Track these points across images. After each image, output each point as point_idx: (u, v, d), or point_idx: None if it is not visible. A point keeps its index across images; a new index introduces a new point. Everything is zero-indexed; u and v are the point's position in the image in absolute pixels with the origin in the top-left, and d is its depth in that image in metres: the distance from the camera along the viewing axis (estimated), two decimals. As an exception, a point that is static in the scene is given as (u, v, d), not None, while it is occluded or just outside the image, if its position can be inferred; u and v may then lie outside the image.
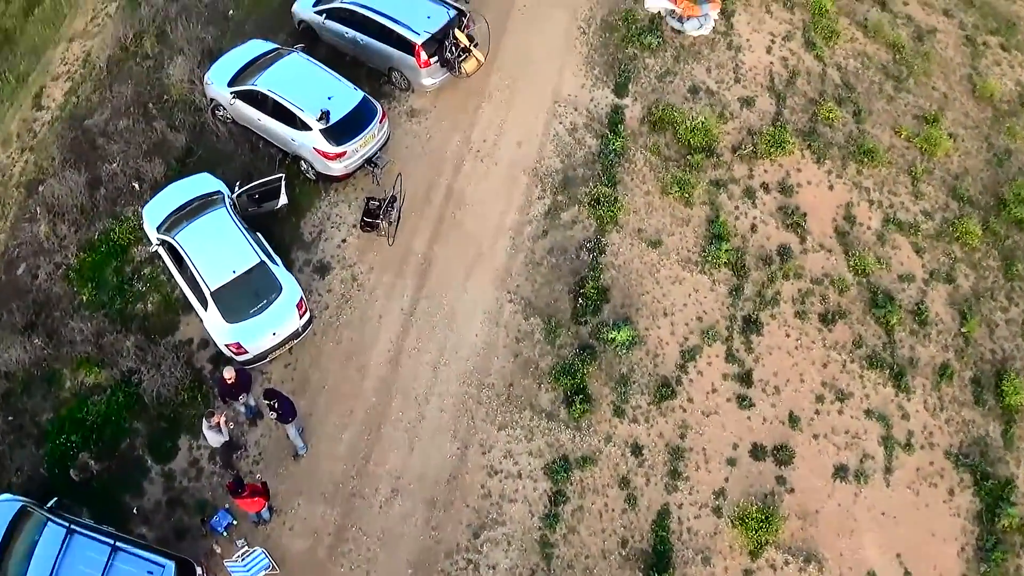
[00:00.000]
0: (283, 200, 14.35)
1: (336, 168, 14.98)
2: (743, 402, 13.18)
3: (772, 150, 16.24)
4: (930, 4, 19.75)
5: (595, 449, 12.46)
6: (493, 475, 12.31)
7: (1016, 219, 15.80)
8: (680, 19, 18.86)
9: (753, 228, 15.39)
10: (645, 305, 14.25)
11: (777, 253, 15.04)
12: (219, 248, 12.66)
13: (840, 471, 12.78)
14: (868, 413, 13.35)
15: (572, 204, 15.55)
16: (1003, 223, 15.74)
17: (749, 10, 19.23)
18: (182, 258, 12.55)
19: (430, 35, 16.16)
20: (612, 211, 15.18)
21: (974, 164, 16.72)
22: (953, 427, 13.32)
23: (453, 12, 16.41)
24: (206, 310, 12.35)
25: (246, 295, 12.36)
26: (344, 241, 14.72)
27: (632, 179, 15.93)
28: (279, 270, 12.85)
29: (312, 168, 15.19)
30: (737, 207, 15.62)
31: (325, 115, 14.57)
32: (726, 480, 12.46)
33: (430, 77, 16.86)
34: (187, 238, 12.79)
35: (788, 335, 14.02)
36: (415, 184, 15.17)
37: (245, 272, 12.49)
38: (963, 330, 14.34)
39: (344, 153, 14.87)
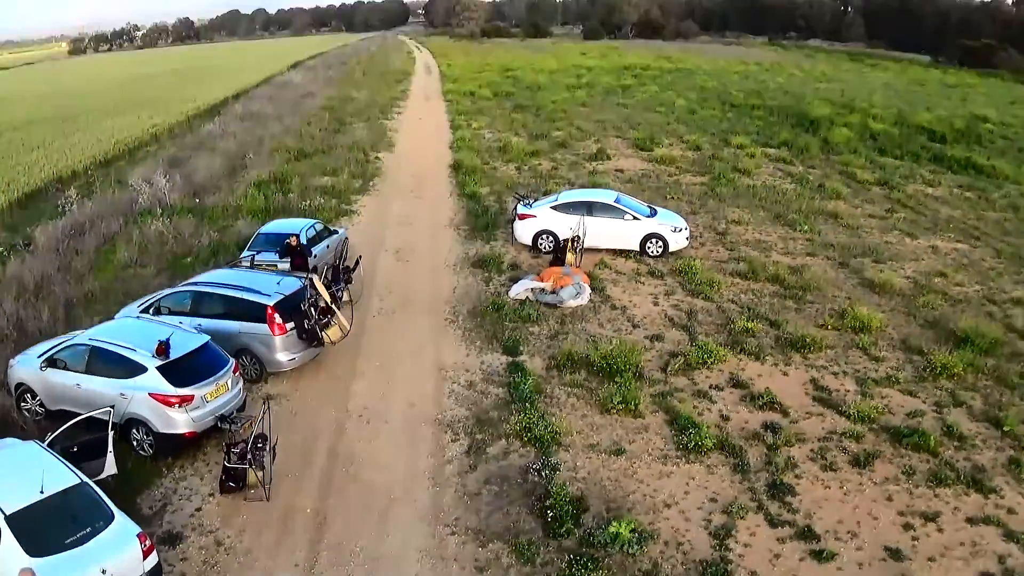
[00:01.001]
0: (110, 468, 12.51)
1: (180, 421, 13.76)
2: (822, 556, 11.70)
3: (706, 359, 16.92)
4: (790, 251, 23.96)
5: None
6: None
7: (984, 347, 17.87)
8: (554, 291, 20.69)
9: (724, 417, 15.47)
10: (637, 503, 12.99)
11: (764, 428, 14.86)
12: (22, 474, 11.07)
13: (987, 578, 11.35)
14: (971, 521, 12.66)
15: (497, 439, 14.90)
16: (974, 356, 17.47)
17: (619, 284, 22.03)
18: None
19: (283, 296, 16.56)
20: (551, 435, 14.37)
21: (913, 331, 18.79)
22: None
23: (305, 279, 17.10)
24: None
25: (59, 521, 10.50)
26: (199, 510, 12.88)
27: (560, 410, 15.91)
28: (109, 501, 10.57)
29: (149, 434, 13.79)
30: (695, 407, 15.63)
31: (164, 347, 13.66)
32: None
33: (287, 351, 16.85)
34: None
35: (827, 487, 13.19)
36: (285, 450, 14.40)
37: (58, 493, 10.81)
38: (1005, 429, 14.87)
39: (190, 399, 13.52)
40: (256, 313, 16.63)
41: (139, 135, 45.75)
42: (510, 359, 18.08)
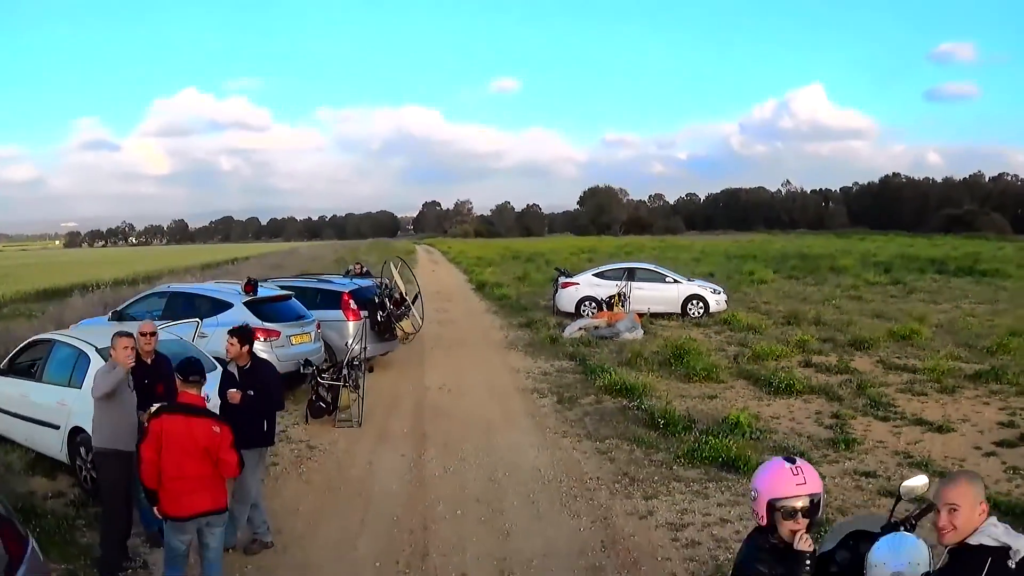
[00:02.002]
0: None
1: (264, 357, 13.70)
2: (942, 429, 12.22)
3: (772, 352, 17.56)
4: (823, 315, 24.62)
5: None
6: (680, 529, 8.72)
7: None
8: (610, 325, 21.35)
9: (807, 378, 15.52)
10: (743, 419, 12.86)
11: (848, 381, 15.19)
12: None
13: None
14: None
15: (586, 395, 15.10)
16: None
17: (668, 330, 22.61)
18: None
19: (359, 287, 17.26)
20: (640, 386, 14.77)
21: (964, 335, 19.44)
22: None
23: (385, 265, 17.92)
24: (80, 387, 9.88)
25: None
26: (284, 431, 12.97)
27: (640, 380, 15.70)
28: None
29: None
30: (775, 375, 15.79)
31: (252, 285, 14.30)
32: (1004, 462, 10.35)
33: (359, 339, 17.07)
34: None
35: (923, 403, 13.79)
36: (369, 405, 14.18)
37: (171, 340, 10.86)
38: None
39: (276, 334, 13.92)
40: (332, 300, 17.12)
41: (159, 269, 47.29)
42: (578, 363, 18.38)
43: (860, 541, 4.52)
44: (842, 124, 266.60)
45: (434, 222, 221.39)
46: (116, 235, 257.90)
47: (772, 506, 3.82)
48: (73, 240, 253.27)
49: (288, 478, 10.79)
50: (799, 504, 3.80)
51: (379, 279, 18.67)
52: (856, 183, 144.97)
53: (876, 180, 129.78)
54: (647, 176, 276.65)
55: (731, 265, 49.30)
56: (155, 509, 6.74)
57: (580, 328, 22.42)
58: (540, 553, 8.18)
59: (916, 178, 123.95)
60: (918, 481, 4.46)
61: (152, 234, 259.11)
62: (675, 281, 26.12)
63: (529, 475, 10.69)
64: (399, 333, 17.53)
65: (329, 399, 13.40)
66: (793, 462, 3.88)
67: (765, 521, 3.87)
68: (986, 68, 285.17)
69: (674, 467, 10.87)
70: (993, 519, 3.56)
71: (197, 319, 13.39)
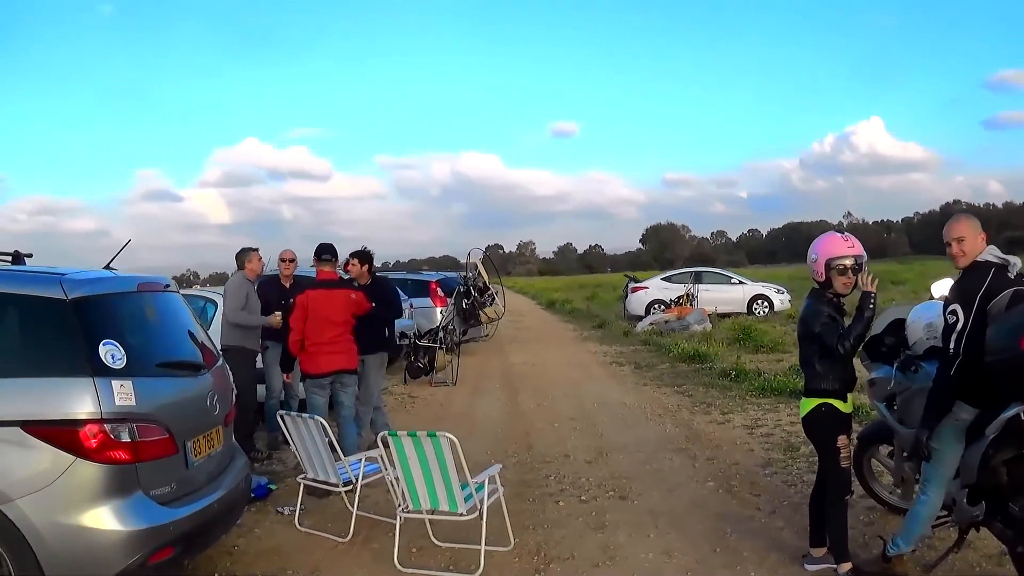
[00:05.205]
0: None
1: None
2: None
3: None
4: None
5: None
6: (755, 428, 9.78)
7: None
8: (680, 318, 22.33)
9: None
10: None
11: None
12: None
13: None
14: None
15: (662, 363, 16.50)
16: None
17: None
18: None
19: (445, 276, 18.53)
20: (713, 353, 15.84)
21: None
22: None
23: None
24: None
25: None
26: (386, 388, 14.27)
27: (711, 350, 16.63)
28: None
29: None
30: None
31: None
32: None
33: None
34: None
35: None
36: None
37: None
38: None
39: None
40: (422, 289, 18.57)
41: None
42: (651, 346, 19.39)
43: (900, 326, 5.74)
44: (902, 156, 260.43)
45: (497, 264, 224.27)
46: (181, 283, 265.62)
47: (828, 265, 4.99)
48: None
49: (396, 414, 12.03)
50: (848, 262, 4.98)
51: (464, 271, 20.04)
52: (917, 213, 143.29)
53: (937, 209, 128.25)
54: (708, 216, 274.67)
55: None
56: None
57: (651, 323, 23.42)
58: (632, 444, 9.28)
59: (977, 204, 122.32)
60: (943, 283, 5.62)
61: (217, 281, 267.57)
62: (740, 282, 26.97)
63: (616, 406, 11.80)
64: (483, 318, 18.79)
65: (426, 361, 14.69)
66: (843, 232, 5.04)
67: (823, 277, 5.03)
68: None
69: (747, 397, 11.87)
70: (992, 246, 4.62)
71: None
